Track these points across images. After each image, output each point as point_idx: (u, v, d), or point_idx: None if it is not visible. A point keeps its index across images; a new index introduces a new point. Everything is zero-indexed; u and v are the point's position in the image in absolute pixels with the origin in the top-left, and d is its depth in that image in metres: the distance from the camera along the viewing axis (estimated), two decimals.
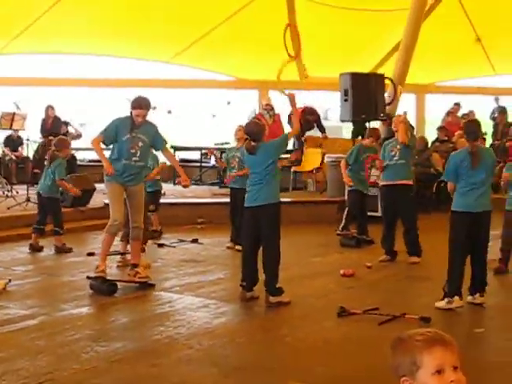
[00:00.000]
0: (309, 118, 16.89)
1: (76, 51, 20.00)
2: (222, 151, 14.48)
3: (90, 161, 18.87)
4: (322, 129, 17.55)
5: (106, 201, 8.97)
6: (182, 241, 11.59)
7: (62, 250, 10.74)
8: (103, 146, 8.58)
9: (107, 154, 8.59)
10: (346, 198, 12.61)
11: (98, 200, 13.55)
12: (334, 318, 7.30)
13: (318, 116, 17.87)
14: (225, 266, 10.18)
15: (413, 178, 11.04)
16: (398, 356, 2.57)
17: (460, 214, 7.81)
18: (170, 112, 23.33)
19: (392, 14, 17.81)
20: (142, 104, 8.36)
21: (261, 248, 8.00)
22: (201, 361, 6.03)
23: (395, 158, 10.40)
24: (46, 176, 10.95)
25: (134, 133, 8.29)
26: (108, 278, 8.43)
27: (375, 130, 12.59)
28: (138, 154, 8.39)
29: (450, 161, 8.07)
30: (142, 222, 8.70)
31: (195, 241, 11.91)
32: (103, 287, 8.25)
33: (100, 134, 8.41)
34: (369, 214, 13.31)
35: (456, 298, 7.65)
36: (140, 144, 8.37)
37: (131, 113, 8.36)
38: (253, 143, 8.04)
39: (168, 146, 9.31)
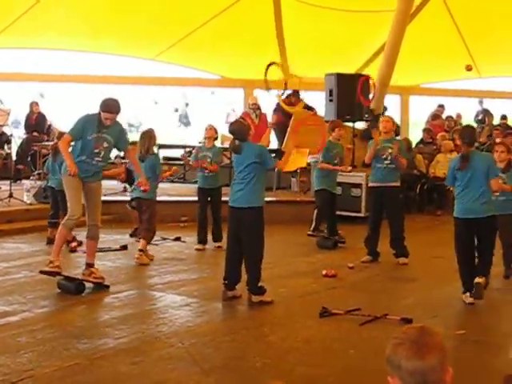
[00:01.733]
0: None
1: (61, 47, 19.93)
2: (191, 151, 14.51)
3: None
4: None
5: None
6: (164, 239, 11.58)
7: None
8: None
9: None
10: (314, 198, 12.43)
11: None
12: (315, 318, 7.31)
13: None
14: (207, 265, 10.18)
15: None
16: (388, 355, 2.55)
17: (456, 220, 8.02)
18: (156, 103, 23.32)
19: (378, 15, 17.85)
20: (112, 109, 8.21)
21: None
22: (182, 359, 6.03)
23: (386, 162, 10.42)
24: (54, 171, 10.85)
25: (100, 133, 8.14)
26: (61, 272, 8.22)
27: (338, 123, 12.49)
28: (101, 155, 8.25)
29: (449, 166, 8.29)
30: (99, 221, 8.47)
31: (178, 239, 11.90)
32: (71, 286, 8.18)
33: (68, 135, 8.27)
34: (352, 214, 13.36)
35: (466, 294, 7.91)
36: (105, 145, 8.22)
37: (100, 113, 8.20)
38: (237, 142, 8.04)
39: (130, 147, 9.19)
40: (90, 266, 8.52)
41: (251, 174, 7.89)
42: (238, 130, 8.13)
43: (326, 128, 13.22)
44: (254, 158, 7.89)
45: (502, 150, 9.36)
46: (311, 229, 11.77)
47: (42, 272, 8.24)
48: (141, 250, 10.08)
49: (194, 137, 19.71)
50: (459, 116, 21.59)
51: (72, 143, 8.38)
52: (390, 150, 10.41)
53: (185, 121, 26.68)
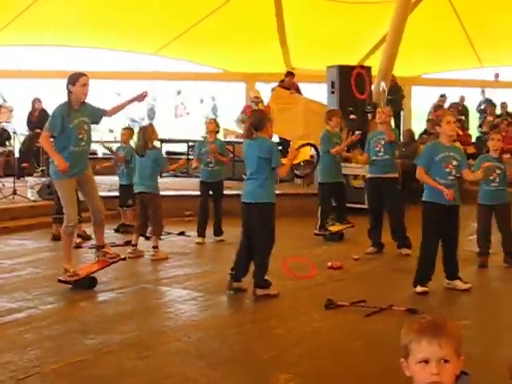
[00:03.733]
0: None
1: (62, 43, 19.95)
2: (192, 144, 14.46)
3: None
4: None
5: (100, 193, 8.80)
6: (169, 233, 11.59)
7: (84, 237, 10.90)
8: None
9: None
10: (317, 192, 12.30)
11: None
12: (321, 310, 7.31)
13: None
14: (211, 259, 10.19)
15: (399, 171, 11.06)
16: (401, 338, 2.62)
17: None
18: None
19: (379, 6, 17.84)
20: (80, 72, 8.17)
21: None
22: (189, 353, 6.04)
23: (380, 154, 10.45)
24: None
25: (77, 117, 7.98)
26: (80, 276, 8.17)
27: (335, 111, 12.46)
28: (85, 138, 8.10)
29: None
30: (102, 206, 8.41)
31: (182, 233, 11.93)
32: (83, 282, 8.17)
33: (46, 130, 8.03)
34: (356, 206, 13.33)
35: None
36: (85, 127, 8.09)
37: (69, 95, 8.02)
38: (253, 130, 7.95)
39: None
40: (101, 247, 8.56)
41: (265, 168, 7.85)
42: (258, 117, 8.12)
43: (304, 108, 13.27)
44: (263, 153, 7.84)
45: (499, 138, 9.47)
46: (317, 227, 11.74)
47: (59, 281, 8.16)
48: (155, 247, 10.11)
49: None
50: (463, 99, 21.53)
51: (51, 139, 8.16)
52: (382, 142, 10.44)
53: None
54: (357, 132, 12.00)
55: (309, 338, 6.54)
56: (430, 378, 2.50)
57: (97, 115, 8.39)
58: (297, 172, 10.30)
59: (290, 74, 17.97)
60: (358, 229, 11.51)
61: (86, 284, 8.18)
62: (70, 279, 8.11)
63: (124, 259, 8.69)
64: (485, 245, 9.63)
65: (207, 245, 11.17)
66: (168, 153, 18.85)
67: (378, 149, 10.46)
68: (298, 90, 17.96)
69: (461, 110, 21.03)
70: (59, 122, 7.95)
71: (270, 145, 8.03)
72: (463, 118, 19.96)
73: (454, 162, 7.95)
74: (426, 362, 2.52)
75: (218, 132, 11.70)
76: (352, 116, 13.51)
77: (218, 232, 11.33)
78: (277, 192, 8.23)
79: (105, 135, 20.01)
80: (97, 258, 8.60)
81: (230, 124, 17.91)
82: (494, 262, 9.63)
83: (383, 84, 15.67)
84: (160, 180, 10.63)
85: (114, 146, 13.15)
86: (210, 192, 11.37)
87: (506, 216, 9.66)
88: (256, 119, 8.07)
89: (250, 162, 7.96)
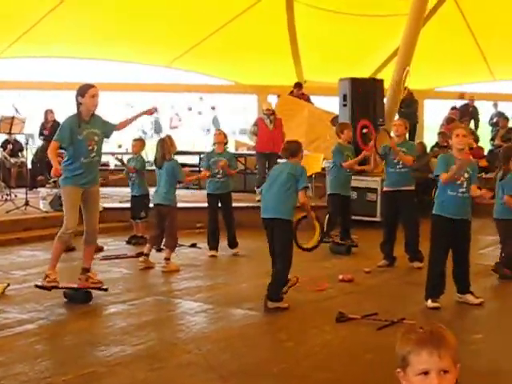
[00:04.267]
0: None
1: (76, 55, 20.04)
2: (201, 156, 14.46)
3: None
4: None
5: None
6: (180, 245, 11.56)
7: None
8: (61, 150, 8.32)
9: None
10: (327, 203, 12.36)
11: None
12: (332, 323, 7.30)
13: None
14: (222, 271, 10.19)
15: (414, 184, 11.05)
16: (397, 347, 2.60)
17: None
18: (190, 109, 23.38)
19: (391, 19, 17.85)
20: (89, 84, 8.21)
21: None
22: (199, 365, 6.03)
23: (398, 166, 10.41)
24: None
25: (87, 129, 8.03)
26: (59, 285, 8.15)
27: (346, 124, 12.45)
28: (94, 150, 8.13)
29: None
30: (97, 226, 8.39)
31: (194, 245, 11.94)
32: (78, 295, 8.16)
33: (54, 140, 8.07)
34: (367, 219, 13.32)
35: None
36: (96, 138, 8.11)
37: (79, 107, 8.07)
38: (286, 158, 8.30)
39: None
40: (86, 270, 8.41)
41: (286, 185, 8.01)
42: (293, 147, 8.30)
43: (309, 114, 13.26)
44: (293, 172, 8.03)
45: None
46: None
47: (36, 286, 8.16)
48: (167, 259, 10.13)
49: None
50: (472, 99, 21.41)
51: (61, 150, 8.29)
52: (401, 153, 10.41)
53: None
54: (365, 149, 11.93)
55: (319, 351, 6.52)
56: None
57: (108, 129, 8.42)
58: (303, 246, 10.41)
59: (298, 85, 18.06)
60: (368, 242, 11.50)
61: (81, 298, 8.16)
62: (48, 285, 8.09)
63: (105, 290, 8.40)
64: None
65: (219, 257, 11.16)
66: (181, 165, 18.92)
67: (396, 161, 10.43)
68: (308, 101, 18.01)
69: (471, 111, 21.02)
70: (67, 134, 8.00)
71: (302, 168, 8.21)
72: (472, 126, 19.86)
73: (466, 175, 7.93)
74: (426, 373, 2.51)
75: (226, 143, 11.68)
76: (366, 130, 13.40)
77: (232, 244, 11.31)
78: None
79: (114, 149, 20.05)
80: (79, 280, 8.38)
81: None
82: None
83: (408, 68, 15.59)
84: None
85: (125, 158, 13.20)
86: (219, 204, 11.36)
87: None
88: (291, 149, 8.29)
89: (278, 180, 8.10)
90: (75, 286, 8.36)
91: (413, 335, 2.58)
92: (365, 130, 12.01)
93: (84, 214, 8.33)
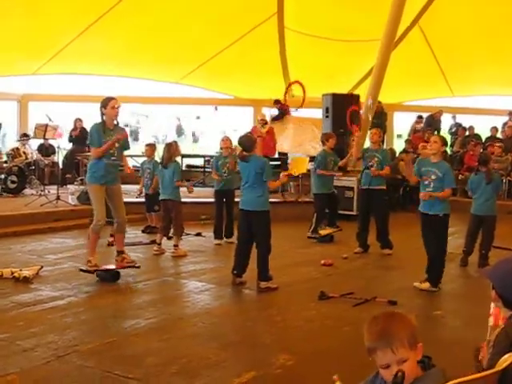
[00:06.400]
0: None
1: (99, 73, 19.99)
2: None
3: None
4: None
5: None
6: (187, 234, 11.56)
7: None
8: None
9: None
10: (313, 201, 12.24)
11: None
12: (315, 301, 7.31)
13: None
14: (223, 256, 10.16)
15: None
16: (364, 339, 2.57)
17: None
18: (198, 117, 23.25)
19: (367, 43, 17.79)
20: (110, 97, 8.20)
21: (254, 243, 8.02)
22: (203, 336, 6.04)
23: (373, 168, 10.41)
24: None
25: (110, 135, 8.05)
26: (100, 268, 8.23)
27: (331, 134, 12.44)
28: (115, 154, 8.15)
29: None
30: (125, 217, 8.43)
31: (199, 234, 11.92)
32: (108, 276, 8.19)
33: (93, 147, 8.16)
34: (345, 212, 13.32)
35: None
36: (116, 145, 8.11)
37: (103, 116, 8.10)
38: (244, 153, 8.01)
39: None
40: (121, 252, 8.56)
41: (260, 181, 7.88)
42: (246, 142, 8.09)
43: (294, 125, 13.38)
44: (258, 169, 7.88)
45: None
46: (310, 231, 11.74)
47: (81, 270, 8.22)
48: (175, 245, 10.13)
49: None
50: (440, 112, 21.35)
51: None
52: (375, 159, 10.43)
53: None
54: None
55: (304, 325, 6.53)
56: None
57: (126, 143, 8.44)
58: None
59: (277, 102, 18.05)
60: (346, 232, 11.49)
61: (111, 277, 8.21)
62: (91, 269, 8.16)
63: (138, 267, 8.54)
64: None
65: (220, 245, 11.14)
66: (188, 166, 18.90)
67: (371, 163, 10.44)
68: (287, 111, 18.00)
69: (435, 121, 21.00)
70: (96, 137, 8.07)
71: (263, 161, 8.16)
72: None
73: (433, 177, 7.91)
74: (388, 366, 2.47)
75: (231, 148, 11.68)
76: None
77: (229, 234, 11.30)
78: (276, 200, 8.23)
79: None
80: (116, 260, 8.56)
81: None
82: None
83: (370, 100, 15.64)
84: (182, 189, 10.61)
85: (140, 160, 13.23)
86: (224, 200, 11.33)
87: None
88: (244, 144, 8.07)
89: (248, 174, 7.96)
90: (113, 267, 8.43)
91: (368, 335, 2.52)
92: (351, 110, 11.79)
93: (112, 209, 8.36)
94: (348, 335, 6.12)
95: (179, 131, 24.39)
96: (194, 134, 23.86)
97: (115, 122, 8.21)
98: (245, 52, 18.82)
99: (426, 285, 7.94)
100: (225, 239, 11.27)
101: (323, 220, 11.81)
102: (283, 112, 17.86)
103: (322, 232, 11.57)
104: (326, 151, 11.75)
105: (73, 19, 16.14)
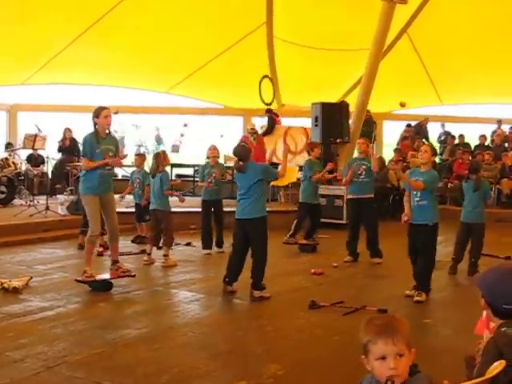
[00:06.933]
0: None
1: (90, 82, 20.02)
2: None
3: None
4: None
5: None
6: (177, 244, 11.55)
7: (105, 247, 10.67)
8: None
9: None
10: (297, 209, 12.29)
11: None
12: (305, 310, 7.31)
13: None
14: (213, 266, 10.16)
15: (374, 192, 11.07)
16: (360, 338, 2.65)
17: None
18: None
19: (355, 53, 17.89)
20: (102, 106, 8.18)
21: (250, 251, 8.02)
22: (193, 346, 6.03)
23: (361, 177, 10.45)
24: None
25: (104, 144, 8.05)
26: (95, 278, 8.22)
27: (316, 143, 12.53)
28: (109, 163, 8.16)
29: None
30: (117, 225, 8.40)
31: (189, 244, 11.91)
32: (100, 286, 8.17)
33: (84, 158, 8.11)
34: (335, 221, 13.35)
35: None
36: (110, 154, 8.11)
37: (95, 126, 8.08)
38: (240, 163, 7.99)
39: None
40: (115, 262, 8.54)
41: (257, 189, 7.87)
42: (241, 152, 8.08)
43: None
44: (259, 176, 7.86)
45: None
46: (287, 236, 11.75)
47: (77, 281, 8.19)
48: (165, 256, 10.11)
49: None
50: (426, 120, 21.47)
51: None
52: (363, 167, 10.46)
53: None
54: (328, 164, 11.92)
55: (294, 334, 6.52)
56: (389, 372, 2.54)
57: (117, 151, 8.43)
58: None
59: (269, 110, 18.19)
60: (335, 240, 11.53)
61: (104, 287, 8.19)
62: (87, 280, 8.15)
63: (133, 276, 8.53)
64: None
65: (210, 255, 11.13)
66: (177, 175, 18.88)
67: (359, 172, 10.47)
68: (277, 119, 18.12)
69: (423, 129, 21.10)
70: (88, 148, 8.06)
71: (263, 166, 8.25)
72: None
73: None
74: (384, 358, 2.56)
75: (218, 157, 11.70)
76: None
77: (220, 244, 11.29)
78: (268, 209, 8.23)
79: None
80: (110, 270, 8.55)
81: None
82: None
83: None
84: (171, 198, 10.59)
85: (130, 170, 13.21)
86: (212, 209, 11.31)
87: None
88: (240, 153, 8.05)
89: (246, 184, 7.91)
90: (108, 276, 8.41)
91: (371, 327, 2.62)
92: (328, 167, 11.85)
93: (104, 218, 8.33)
94: (338, 344, 6.13)
95: (158, 140, 24.31)
96: (174, 145, 23.74)
97: (107, 131, 8.22)
98: (234, 62, 18.88)
99: (423, 297, 7.89)
100: (215, 249, 11.26)
101: (300, 230, 11.82)
102: (272, 124, 17.92)
103: (301, 241, 11.62)
104: (311, 160, 11.79)
105: (62, 30, 16.21)
